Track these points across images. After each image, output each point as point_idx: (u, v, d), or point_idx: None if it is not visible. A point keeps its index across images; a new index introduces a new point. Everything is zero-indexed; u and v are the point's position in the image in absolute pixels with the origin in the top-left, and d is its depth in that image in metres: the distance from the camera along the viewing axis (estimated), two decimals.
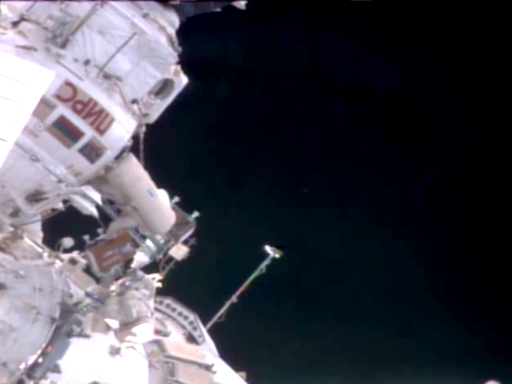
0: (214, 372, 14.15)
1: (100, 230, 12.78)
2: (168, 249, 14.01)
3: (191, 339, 16.90)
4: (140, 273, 13.57)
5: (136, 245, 13.06)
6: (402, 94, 32.24)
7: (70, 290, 11.94)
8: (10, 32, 11.38)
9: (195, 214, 13.88)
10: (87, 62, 11.39)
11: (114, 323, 12.55)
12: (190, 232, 14.02)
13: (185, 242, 14.61)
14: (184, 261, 14.76)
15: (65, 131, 11.27)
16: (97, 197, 11.86)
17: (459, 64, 32.09)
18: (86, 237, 12.71)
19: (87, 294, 12.52)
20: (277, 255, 19.95)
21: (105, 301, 12.82)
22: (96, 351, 12.07)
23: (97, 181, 12.12)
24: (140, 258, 13.66)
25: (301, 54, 31.90)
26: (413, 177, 32.31)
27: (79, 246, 12.94)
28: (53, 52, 11.20)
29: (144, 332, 12.96)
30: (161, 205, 13.06)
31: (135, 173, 12.45)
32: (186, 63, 12.81)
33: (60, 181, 11.51)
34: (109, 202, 12.78)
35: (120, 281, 13.08)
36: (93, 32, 11.42)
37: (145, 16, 11.85)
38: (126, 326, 12.90)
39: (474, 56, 32.02)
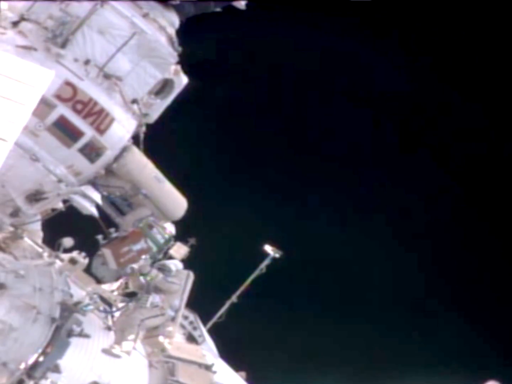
0: (214, 372, 14.10)
1: (112, 229, 12.84)
2: (168, 248, 14.02)
3: (191, 339, 16.85)
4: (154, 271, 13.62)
5: None
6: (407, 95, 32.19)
7: (70, 290, 11.92)
8: (10, 32, 11.41)
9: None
10: (87, 62, 11.41)
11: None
12: None
13: (185, 242, 14.63)
14: (184, 261, 14.76)
15: (65, 131, 11.30)
16: (97, 197, 11.88)
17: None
18: (100, 237, 12.75)
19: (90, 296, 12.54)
20: (277, 255, 19.92)
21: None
22: (96, 351, 12.05)
23: (104, 176, 12.17)
24: None
25: (301, 53, 31.87)
26: (416, 180, 32.28)
27: (79, 246, 12.93)
28: (53, 52, 11.22)
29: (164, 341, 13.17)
30: (171, 189, 13.13)
31: (140, 160, 12.54)
32: (186, 63, 12.83)
33: (60, 181, 11.54)
34: (116, 208, 12.84)
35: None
36: (93, 32, 11.45)
37: (145, 16, 11.88)
38: (149, 335, 13.11)
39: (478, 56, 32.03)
